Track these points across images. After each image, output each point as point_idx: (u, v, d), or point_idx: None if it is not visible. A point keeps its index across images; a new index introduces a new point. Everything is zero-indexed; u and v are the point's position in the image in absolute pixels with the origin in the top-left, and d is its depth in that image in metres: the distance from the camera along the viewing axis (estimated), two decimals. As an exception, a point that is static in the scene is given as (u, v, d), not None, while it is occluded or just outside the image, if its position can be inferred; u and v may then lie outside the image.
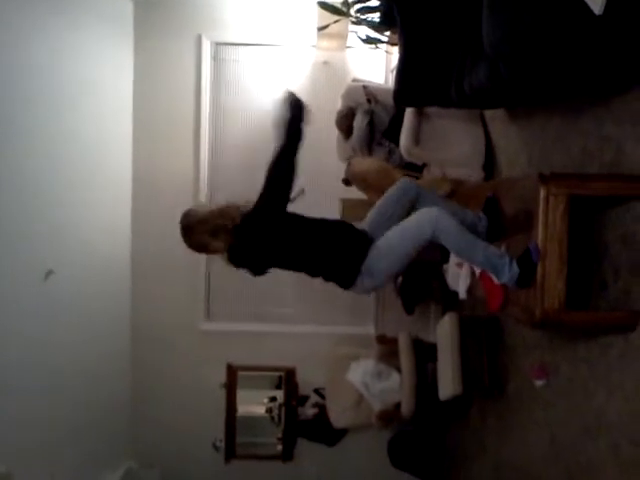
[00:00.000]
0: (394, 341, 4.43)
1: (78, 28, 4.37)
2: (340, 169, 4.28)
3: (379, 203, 2.75)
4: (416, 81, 3.40)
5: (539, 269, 2.30)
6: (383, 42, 4.65)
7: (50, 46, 4.02)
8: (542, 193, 2.29)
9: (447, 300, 4.39)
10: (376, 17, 4.33)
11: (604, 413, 2.51)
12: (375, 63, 5.15)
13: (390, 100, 3.92)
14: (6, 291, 3.59)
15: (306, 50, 5.18)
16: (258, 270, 2.70)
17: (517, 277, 2.38)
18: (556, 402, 2.97)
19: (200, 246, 2.67)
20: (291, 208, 2.59)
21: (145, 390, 5.34)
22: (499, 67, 2.54)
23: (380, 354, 4.56)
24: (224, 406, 5.31)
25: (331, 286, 5.00)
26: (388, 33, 4.47)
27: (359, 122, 4.26)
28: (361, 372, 4.51)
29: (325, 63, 5.17)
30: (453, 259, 3.39)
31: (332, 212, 4.30)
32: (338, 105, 4.62)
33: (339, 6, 4.46)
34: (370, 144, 4.29)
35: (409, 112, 3.87)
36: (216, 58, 5.25)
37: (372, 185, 3.72)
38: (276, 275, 5.07)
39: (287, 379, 5.28)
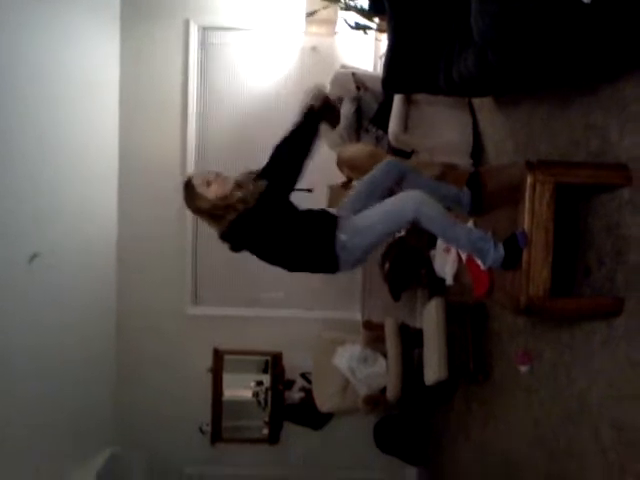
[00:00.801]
0: (380, 327, 4.46)
1: (64, 14, 4.32)
2: (326, 156, 4.27)
3: (363, 179, 2.77)
4: (405, 68, 3.39)
5: (524, 256, 2.33)
6: (372, 29, 4.63)
7: (35, 33, 3.97)
8: (529, 180, 2.31)
9: (434, 286, 4.42)
10: (365, 3, 4.32)
11: (586, 398, 2.55)
12: (364, 50, 5.14)
13: (378, 87, 3.92)
14: (-10, 275, 3.58)
15: (295, 35, 5.16)
16: (238, 248, 2.67)
17: (502, 259, 2.41)
18: (539, 387, 3.01)
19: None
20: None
21: (131, 375, 5.35)
22: (487, 54, 2.55)
23: (366, 339, 4.59)
24: (211, 390, 5.33)
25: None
26: (377, 20, 4.45)
27: (346, 110, 4.25)
28: (347, 357, 4.54)
29: (314, 49, 5.15)
30: (440, 245, 3.42)
31: (320, 199, 4.33)
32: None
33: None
34: (358, 131, 4.29)
35: (398, 99, 3.87)
36: (204, 42, 5.21)
37: (361, 169, 3.72)
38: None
39: (274, 363, 5.31)
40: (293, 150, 2.52)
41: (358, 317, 5.10)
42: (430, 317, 4.00)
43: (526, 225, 2.32)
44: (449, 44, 3.04)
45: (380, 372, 4.41)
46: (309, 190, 2.68)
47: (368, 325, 4.70)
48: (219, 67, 5.25)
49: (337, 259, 2.54)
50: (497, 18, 2.28)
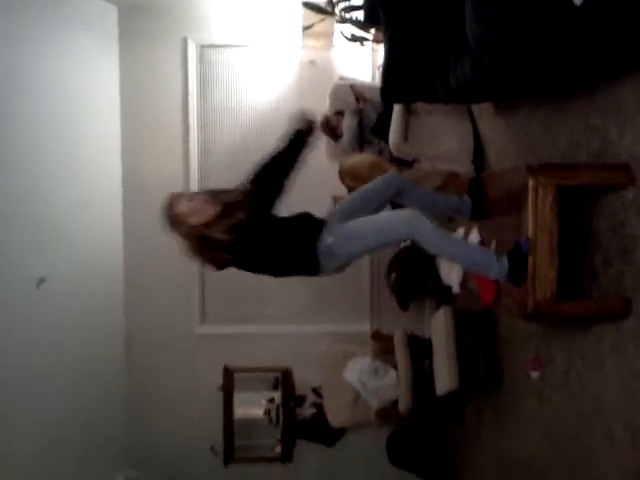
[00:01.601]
0: (389, 338, 4.42)
1: (62, 35, 4.38)
2: (329, 167, 4.28)
3: (362, 189, 2.76)
4: (402, 77, 3.39)
5: (530, 260, 2.30)
6: (368, 40, 4.66)
7: (34, 54, 4.02)
8: (531, 184, 2.30)
9: (441, 295, 4.38)
10: (360, 15, 4.33)
11: (599, 402, 2.51)
12: (361, 61, 5.16)
13: (377, 97, 3.92)
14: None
15: (292, 50, 5.19)
16: (223, 266, 2.64)
17: (507, 272, 2.38)
18: (552, 393, 2.97)
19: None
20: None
21: (141, 396, 5.32)
22: (483, 61, 2.54)
23: (376, 351, 4.55)
24: (222, 409, 5.30)
25: (325, 284, 5.02)
26: (373, 31, 4.47)
27: (349, 123, 4.24)
28: (357, 370, 4.50)
29: (312, 62, 5.17)
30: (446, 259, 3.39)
31: (324, 210, 4.31)
32: (326, 104, 4.62)
33: (323, 5, 4.47)
34: (361, 144, 4.29)
35: (397, 108, 3.87)
36: (202, 60, 5.24)
37: (364, 179, 3.71)
38: (270, 277, 5.09)
39: (284, 380, 5.27)
40: (276, 171, 2.56)
41: (367, 329, 5.07)
42: (439, 326, 3.96)
43: (530, 229, 2.30)
44: (445, 52, 3.04)
45: (391, 384, 4.36)
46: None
47: (377, 336, 4.67)
48: (219, 84, 5.28)
49: (318, 260, 2.49)
50: (491, 24, 2.28)
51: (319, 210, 2.74)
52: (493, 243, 2.66)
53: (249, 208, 2.49)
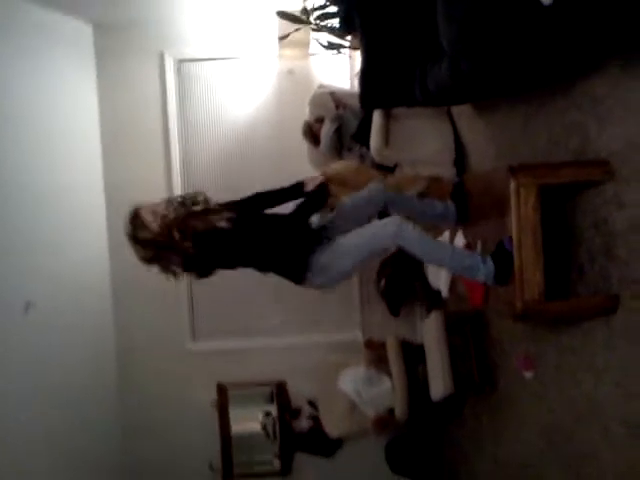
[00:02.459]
0: (382, 345, 4.40)
1: (37, 55, 4.35)
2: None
3: (347, 203, 2.78)
4: (380, 83, 3.39)
5: (516, 261, 2.30)
6: (345, 47, 4.66)
7: (8, 76, 3.99)
8: (512, 185, 2.29)
9: (431, 299, 4.37)
10: (336, 23, 4.33)
11: (594, 399, 2.50)
12: (339, 68, 5.16)
13: (357, 104, 3.91)
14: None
15: (270, 60, 5.18)
16: (206, 272, 2.63)
17: (494, 273, 2.39)
18: (546, 392, 2.96)
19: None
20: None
21: (135, 416, 5.26)
22: (460, 63, 2.54)
23: (369, 359, 4.52)
24: (217, 425, 5.25)
25: (315, 294, 4.99)
26: (349, 38, 4.47)
27: (326, 130, 4.24)
28: (352, 380, 4.47)
29: (290, 72, 5.16)
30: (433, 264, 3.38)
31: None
32: (306, 112, 4.61)
33: (298, 14, 4.46)
34: (340, 150, 4.28)
35: (377, 114, 3.87)
36: (180, 74, 5.22)
37: (349, 185, 3.70)
38: (259, 288, 5.08)
39: (278, 393, 5.22)
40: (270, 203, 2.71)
41: (359, 337, 5.04)
42: (430, 332, 3.95)
43: (514, 230, 2.30)
44: (422, 56, 3.04)
45: (386, 392, 4.33)
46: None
47: (369, 345, 4.64)
48: (198, 97, 5.26)
49: (306, 272, 2.52)
50: (463, 27, 2.28)
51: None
52: (479, 244, 2.65)
53: (207, 220, 2.51)
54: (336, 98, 4.41)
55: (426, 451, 4.91)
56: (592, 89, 2.33)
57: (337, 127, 4.22)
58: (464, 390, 3.94)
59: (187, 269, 2.56)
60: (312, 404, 5.07)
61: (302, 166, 4.71)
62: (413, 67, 3.15)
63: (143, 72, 5.19)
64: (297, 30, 4.54)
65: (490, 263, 2.42)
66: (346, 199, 2.81)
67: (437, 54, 2.81)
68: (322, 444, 5.05)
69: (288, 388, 5.22)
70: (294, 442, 5.24)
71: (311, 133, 4.40)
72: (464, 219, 2.82)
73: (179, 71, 5.22)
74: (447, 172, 3.74)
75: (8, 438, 3.63)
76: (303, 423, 5.19)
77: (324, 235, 2.61)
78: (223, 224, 2.52)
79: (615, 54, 2.15)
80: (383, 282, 4.45)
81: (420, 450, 4.90)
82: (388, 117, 3.85)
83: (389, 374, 4.33)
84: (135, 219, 2.52)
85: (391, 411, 4.28)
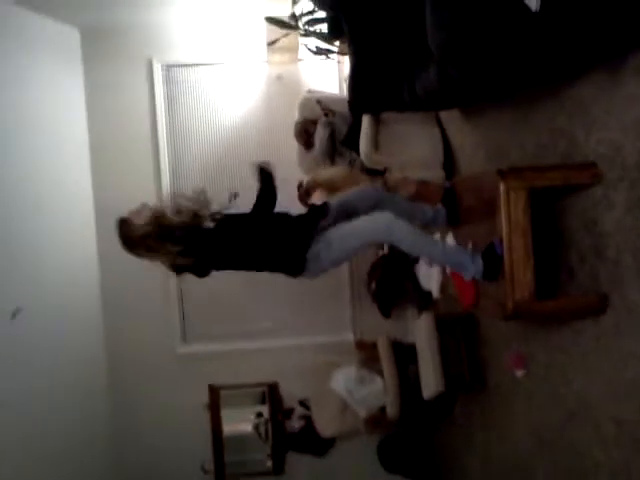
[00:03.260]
0: (374, 346, 4.44)
1: (24, 59, 4.34)
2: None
3: (341, 199, 2.85)
4: (369, 88, 3.43)
5: (507, 262, 2.35)
6: (334, 52, 4.69)
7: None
8: (502, 188, 2.35)
9: (422, 300, 4.42)
10: (324, 28, 4.37)
11: (585, 397, 2.56)
12: (328, 73, 5.19)
13: (346, 109, 3.96)
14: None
15: (258, 66, 5.20)
16: (202, 271, 2.69)
17: (482, 270, 2.45)
18: (537, 391, 3.02)
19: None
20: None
21: (127, 421, 5.25)
22: (448, 68, 2.59)
23: (361, 360, 4.57)
24: (209, 427, 5.26)
25: (306, 296, 5.03)
26: (338, 43, 4.51)
27: (321, 134, 4.27)
28: (343, 380, 4.51)
29: (278, 77, 5.18)
30: (424, 259, 3.44)
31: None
32: (295, 117, 4.64)
33: (287, 20, 4.49)
34: (332, 155, 4.32)
35: (366, 119, 3.91)
36: (168, 80, 5.22)
37: (340, 190, 3.75)
38: (249, 291, 5.10)
39: (270, 394, 5.25)
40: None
41: (350, 338, 5.09)
42: (421, 332, 4.00)
43: (504, 232, 2.35)
44: (410, 61, 3.08)
45: (378, 391, 4.38)
46: (235, 195, 2.82)
47: (361, 345, 4.69)
48: (186, 102, 5.26)
49: (305, 264, 2.59)
50: (452, 32, 2.32)
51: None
52: (469, 245, 2.70)
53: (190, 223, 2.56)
54: (324, 106, 4.43)
55: (418, 449, 4.96)
56: (579, 94, 2.40)
57: (330, 132, 4.25)
58: (455, 389, 4.00)
59: (179, 269, 2.63)
60: (304, 404, 5.11)
61: (291, 171, 4.74)
62: (402, 73, 3.20)
63: (131, 77, 5.19)
64: (286, 35, 4.57)
65: (479, 262, 2.48)
66: (338, 196, 2.87)
67: (425, 59, 2.85)
68: (314, 443, 5.09)
69: (280, 389, 5.24)
70: (286, 442, 5.27)
71: (306, 134, 4.42)
72: (454, 222, 2.87)
73: (167, 76, 5.22)
74: (436, 176, 3.79)
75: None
76: (295, 423, 5.22)
77: (316, 230, 2.65)
78: (209, 224, 2.59)
79: (602, 60, 2.20)
80: (374, 284, 4.50)
81: (412, 448, 4.96)
82: (377, 122, 3.89)
83: (380, 374, 4.37)
84: (123, 225, 2.60)
85: (383, 410, 4.33)
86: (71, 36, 5.05)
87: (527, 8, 1.99)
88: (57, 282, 4.50)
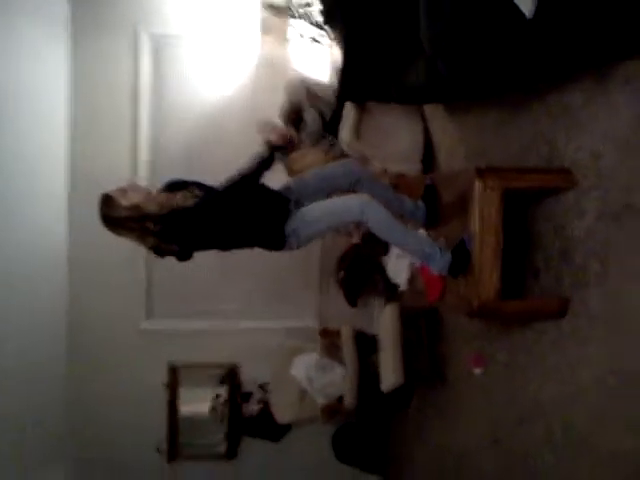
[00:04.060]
0: (337, 334, 4.46)
1: (8, 27, 4.23)
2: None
3: (319, 171, 2.84)
4: (358, 77, 3.44)
5: (476, 261, 2.38)
6: (325, 38, 4.67)
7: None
8: (478, 186, 2.37)
9: (389, 292, 4.45)
10: (317, 14, 4.35)
11: (539, 398, 2.61)
12: (318, 59, 5.16)
13: (330, 95, 3.95)
14: None
15: (248, 45, 5.15)
16: (184, 255, 2.67)
17: (449, 265, 2.48)
18: (494, 389, 3.06)
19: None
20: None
21: (84, 395, 5.17)
22: (437, 64, 2.60)
23: (323, 347, 4.58)
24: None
25: (274, 280, 5.01)
26: (329, 29, 4.48)
27: (313, 115, 4.25)
28: (304, 366, 4.52)
29: (267, 57, 5.14)
30: (393, 251, 3.45)
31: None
32: (281, 99, 4.61)
33: (280, 2, 4.45)
34: (319, 137, 4.30)
35: (349, 106, 3.90)
36: (155, 51, 5.13)
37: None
38: (218, 271, 5.07)
39: (230, 375, 5.24)
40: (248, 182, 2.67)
41: (315, 325, 5.08)
42: (385, 323, 4.02)
43: (476, 229, 2.37)
44: (400, 54, 3.09)
45: (337, 380, 4.40)
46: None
47: (325, 333, 4.69)
48: (172, 75, 5.17)
49: (285, 239, 2.62)
50: (445, 28, 2.33)
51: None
52: (442, 240, 2.72)
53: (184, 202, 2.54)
54: (310, 92, 4.40)
55: (372, 440, 5.00)
56: (565, 100, 2.43)
57: (319, 113, 4.24)
58: (414, 382, 4.03)
59: (159, 251, 2.61)
60: (263, 388, 5.11)
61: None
62: (391, 64, 3.21)
63: (117, 47, 5.07)
64: (277, 16, 4.54)
65: (448, 256, 2.51)
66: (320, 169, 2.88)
67: (415, 53, 2.87)
68: (270, 429, 5.09)
69: (241, 372, 5.23)
70: (242, 425, 5.27)
71: (292, 117, 4.38)
72: (433, 223, 2.87)
73: (154, 47, 5.13)
74: (414, 169, 3.81)
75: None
76: (253, 407, 5.21)
77: (291, 204, 2.67)
78: (189, 203, 2.55)
79: (590, 67, 2.24)
80: (342, 272, 4.51)
81: (366, 439, 4.99)
82: (361, 110, 3.89)
83: (342, 362, 4.40)
84: (106, 202, 2.53)
85: (340, 400, 4.35)
86: (60, 6, 4.94)
87: (522, 13, 2.01)
88: (24, 252, 4.42)
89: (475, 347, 3.27)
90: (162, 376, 5.16)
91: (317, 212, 2.61)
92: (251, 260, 5.00)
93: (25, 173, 4.47)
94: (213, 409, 5.31)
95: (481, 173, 2.40)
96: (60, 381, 5.09)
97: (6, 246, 4.24)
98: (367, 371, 4.27)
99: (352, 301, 4.66)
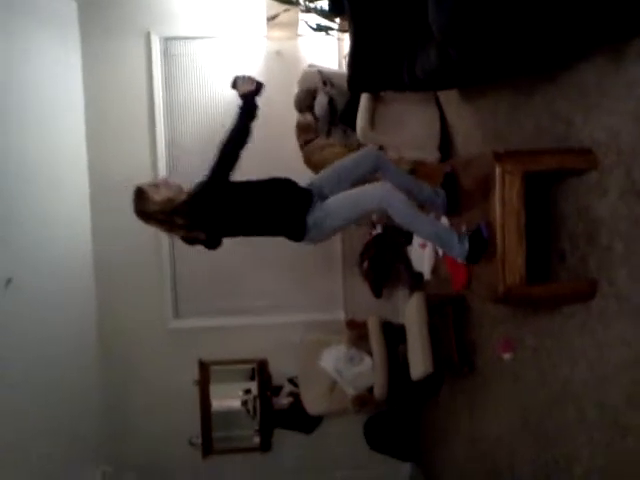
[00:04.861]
0: (364, 325, 4.46)
1: (21, 32, 4.26)
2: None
3: (339, 163, 2.87)
4: (369, 67, 3.41)
5: (499, 246, 2.35)
6: (334, 29, 4.65)
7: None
8: (497, 171, 2.34)
9: (413, 281, 4.44)
10: (325, 4, 4.32)
11: (570, 381, 2.58)
12: (327, 50, 5.15)
13: (345, 85, 3.93)
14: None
15: (258, 41, 5.15)
16: (212, 243, 2.78)
17: (467, 253, 2.47)
18: (524, 374, 3.04)
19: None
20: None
21: (117, 394, 5.28)
22: (448, 49, 2.57)
23: (351, 339, 4.58)
24: (199, 402, 5.29)
25: (299, 274, 5.04)
26: (338, 20, 4.46)
27: (322, 100, 4.25)
28: (333, 358, 4.53)
29: (278, 53, 5.14)
30: (416, 240, 3.44)
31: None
32: (294, 92, 4.60)
33: (288, -4, 4.44)
34: (330, 125, 4.29)
35: (364, 96, 3.89)
36: (167, 53, 5.17)
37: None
38: (243, 268, 5.11)
39: (260, 370, 5.28)
40: (232, 149, 2.81)
41: (341, 317, 5.10)
42: (411, 313, 4.01)
43: (497, 214, 2.35)
44: (411, 41, 3.06)
45: (366, 371, 4.40)
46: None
47: (351, 324, 4.70)
48: (184, 76, 5.22)
49: (305, 230, 2.66)
50: (454, 14, 2.30)
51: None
52: (463, 228, 2.70)
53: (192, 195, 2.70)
54: (324, 76, 4.41)
55: (404, 429, 5.01)
56: (580, 79, 2.38)
57: (329, 99, 4.23)
58: (443, 370, 4.03)
59: (189, 240, 2.76)
60: (292, 382, 5.14)
61: (288, 146, 4.73)
62: (402, 52, 3.18)
63: (129, 50, 5.13)
64: (286, 11, 4.53)
65: (466, 244, 2.51)
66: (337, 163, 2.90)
67: (426, 39, 2.83)
68: (302, 420, 5.12)
69: (270, 366, 5.27)
70: (274, 418, 5.31)
71: (305, 103, 4.37)
72: (453, 211, 2.85)
73: (165, 49, 5.17)
74: (432, 156, 3.78)
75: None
76: (283, 400, 5.25)
77: (314, 197, 2.71)
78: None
79: (604, 45, 2.19)
80: (366, 263, 4.50)
81: (398, 428, 5.01)
82: (375, 100, 3.87)
83: (370, 353, 4.40)
84: (140, 196, 2.69)
85: (371, 390, 4.36)
86: (69, 8, 4.98)
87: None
88: (50, 253, 4.48)
89: (503, 333, 3.25)
90: (193, 374, 5.23)
91: (338, 202, 2.64)
92: (274, 256, 5.05)
93: (46, 179, 4.53)
94: (244, 403, 5.36)
95: (499, 157, 2.36)
96: (93, 386, 5.17)
97: (38, 263, 4.31)
98: (396, 361, 4.27)
99: (377, 292, 4.65)
